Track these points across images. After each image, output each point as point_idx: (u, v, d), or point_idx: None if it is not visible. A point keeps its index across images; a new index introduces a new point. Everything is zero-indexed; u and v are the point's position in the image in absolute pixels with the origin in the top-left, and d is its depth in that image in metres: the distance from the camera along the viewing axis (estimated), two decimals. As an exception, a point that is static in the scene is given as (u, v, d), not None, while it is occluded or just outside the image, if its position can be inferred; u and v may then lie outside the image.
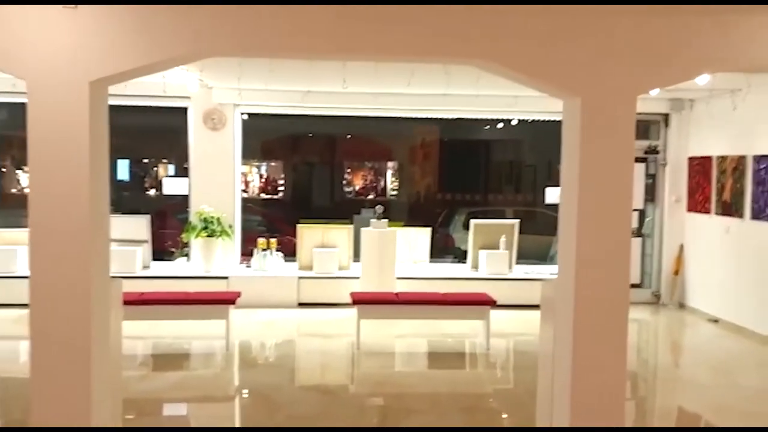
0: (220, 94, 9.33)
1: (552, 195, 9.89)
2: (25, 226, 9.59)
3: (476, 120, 10.93)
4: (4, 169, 13.78)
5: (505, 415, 5.83)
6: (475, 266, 9.78)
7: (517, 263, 9.85)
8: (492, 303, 7.37)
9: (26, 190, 10.79)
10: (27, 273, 9.32)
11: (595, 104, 4.12)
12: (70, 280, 4.09)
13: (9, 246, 9.12)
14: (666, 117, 9.97)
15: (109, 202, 4.48)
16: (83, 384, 4.17)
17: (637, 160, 9.39)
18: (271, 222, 13.51)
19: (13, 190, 13.59)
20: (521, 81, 4.40)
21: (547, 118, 9.93)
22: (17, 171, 13.81)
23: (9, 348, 7.87)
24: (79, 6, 3.94)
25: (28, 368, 6.77)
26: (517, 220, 9.99)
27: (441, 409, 5.80)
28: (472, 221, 10.00)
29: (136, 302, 6.77)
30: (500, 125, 12.16)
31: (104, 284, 4.38)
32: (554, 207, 9.54)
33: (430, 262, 10.01)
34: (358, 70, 6.93)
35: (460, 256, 10.98)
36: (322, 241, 9.66)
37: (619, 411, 4.36)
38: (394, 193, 16.26)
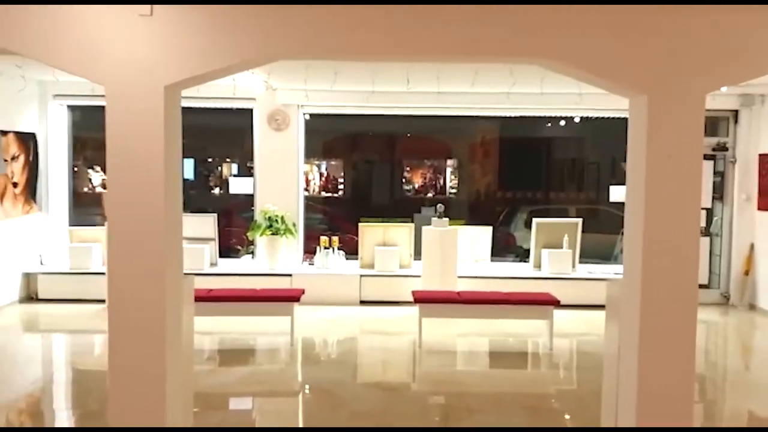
0: (284, 96, 9.51)
1: (616, 193, 9.72)
2: (97, 224, 10.05)
3: (537, 117, 10.81)
4: (75, 169, 14.32)
5: (567, 416, 5.79)
6: (538, 265, 9.70)
7: (580, 262, 9.72)
8: (556, 303, 7.31)
9: (97, 189, 11.24)
10: (101, 270, 9.73)
11: (663, 102, 4.06)
12: (146, 277, 4.26)
13: (84, 243, 9.50)
14: (735, 113, 9.68)
15: (181, 202, 4.64)
16: (158, 377, 4.33)
17: (705, 157, 9.13)
18: (332, 220, 13.68)
19: (85, 189, 14.12)
20: (587, 79, 4.37)
21: (611, 115, 9.76)
22: (88, 171, 14.39)
23: (85, 342, 8.20)
24: (154, 12, 4.10)
25: (103, 361, 7.10)
26: (580, 219, 9.86)
27: (503, 408, 5.79)
28: (535, 220, 9.91)
29: (205, 298, 6.96)
30: (562, 122, 12.02)
31: (178, 281, 4.54)
32: (618, 205, 9.42)
33: (492, 261, 9.96)
34: (421, 70, 6.98)
35: (522, 255, 10.91)
36: (383, 240, 9.74)
37: (688, 413, 4.28)
38: (454, 191, 16.23)
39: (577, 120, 10.79)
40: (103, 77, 4.15)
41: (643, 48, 4.04)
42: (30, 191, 9.19)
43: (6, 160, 8.64)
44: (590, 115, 10.15)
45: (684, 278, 4.17)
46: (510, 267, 10.09)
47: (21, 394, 6.06)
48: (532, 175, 15.41)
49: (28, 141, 9.12)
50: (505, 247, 11.89)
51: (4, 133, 8.59)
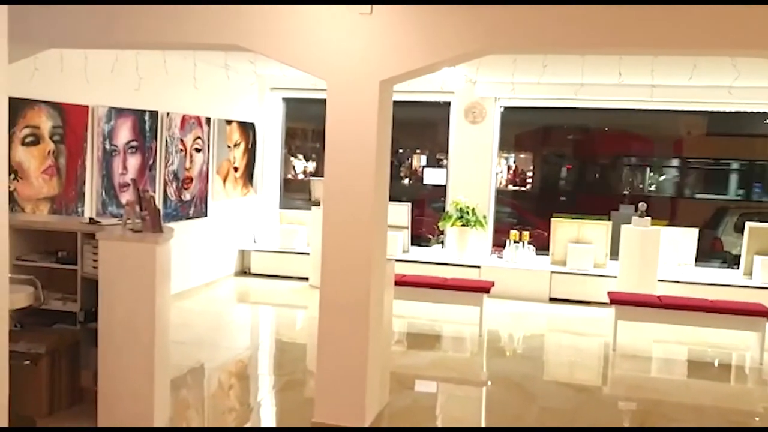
0: (482, 89, 9.58)
1: None
2: (300, 209, 10.72)
3: (753, 113, 9.92)
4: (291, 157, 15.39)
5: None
6: (748, 273, 8.96)
7: (799, 273, 8.84)
8: (769, 314, 6.75)
9: (299, 176, 12.04)
10: (306, 250, 10.35)
11: None
12: (355, 259, 4.55)
13: (291, 225, 10.26)
14: None
15: (388, 191, 4.89)
16: (361, 352, 4.62)
17: None
18: (520, 213, 13.56)
19: (289, 176, 15.17)
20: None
21: None
22: (292, 158, 15.49)
23: (289, 315, 8.88)
24: (374, 11, 4.35)
25: (304, 334, 7.64)
26: (801, 225, 8.97)
27: (704, 421, 5.46)
28: (748, 224, 9.16)
29: (399, 283, 7.22)
30: (784, 119, 10.95)
31: (381, 264, 4.81)
32: None
33: (696, 265, 9.35)
34: (635, 62, 6.69)
35: (730, 261, 10.13)
36: (576, 237, 9.51)
37: None
38: (653, 189, 15.40)
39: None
40: (326, 73, 4.49)
41: None
42: (248, 175, 10.09)
43: (229, 147, 9.56)
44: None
45: None
46: (716, 273, 9.40)
47: (233, 358, 6.71)
48: (743, 176, 14.21)
49: (248, 130, 10.01)
50: (710, 252, 11.09)
51: (229, 122, 9.50)
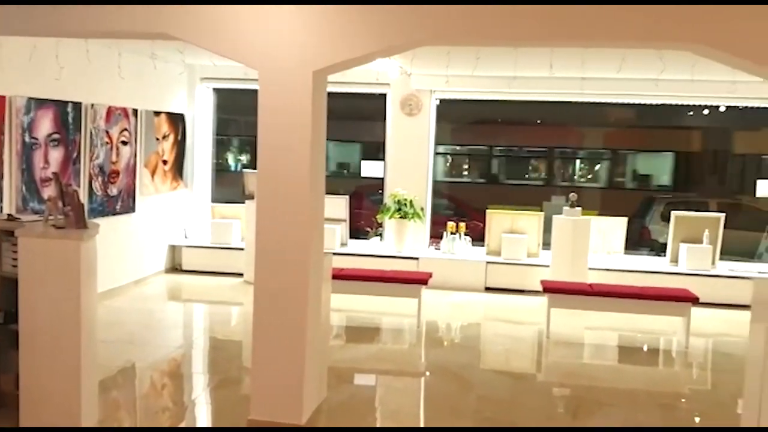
0: (418, 81, 9.58)
1: (764, 188, 9.11)
2: (234, 202, 10.45)
3: (678, 106, 10.26)
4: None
5: (698, 418, 5.51)
6: (674, 260, 9.29)
7: (720, 259, 9.21)
8: (694, 300, 6.99)
9: (232, 169, 11.78)
10: (240, 245, 10.17)
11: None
12: (290, 253, 4.46)
13: (224, 219, 10.03)
14: None
15: (324, 183, 4.82)
16: (298, 348, 4.55)
17: None
18: (457, 205, 13.70)
19: (220, 167, 14.85)
20: (745, 68, 4.13)
21: (764, 105, 9.10)
22: (225, 151, 15.20)
23: (223, 312, 8.69)
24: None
25: (239, 331, 7.48)
26: (723, 214, 9.33)
27: (635, 404, 5.61)
28: (673, 213, 9.48)
29: (337, 277, 7.15)
30: (706, 111, 11.36)
31: (319, 258, 4.74)
32: (765, 201, 8.80)
33: (625, 253, 9.63)
34: (565, 55, 6.80)
35: (657, 249, 10.47)
36: (511, 227, 9.64)
37: None
38: (584, 180, 15.81)
39: (722, 109, 10.18)
40: (257, 62, 4.38)
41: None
42: (177, 168, 9.81)
43: (158, 139, 9.27)
44: (744, 104, 9.49)
45: None
46: (644, 261, 9.71)
47: (165, 357, 6.52)
48: (670, 166, 14.74)
49: (177, 121, 9.73)
50: (639, 240, 11.45)
51: (157, 113, 9.22)
